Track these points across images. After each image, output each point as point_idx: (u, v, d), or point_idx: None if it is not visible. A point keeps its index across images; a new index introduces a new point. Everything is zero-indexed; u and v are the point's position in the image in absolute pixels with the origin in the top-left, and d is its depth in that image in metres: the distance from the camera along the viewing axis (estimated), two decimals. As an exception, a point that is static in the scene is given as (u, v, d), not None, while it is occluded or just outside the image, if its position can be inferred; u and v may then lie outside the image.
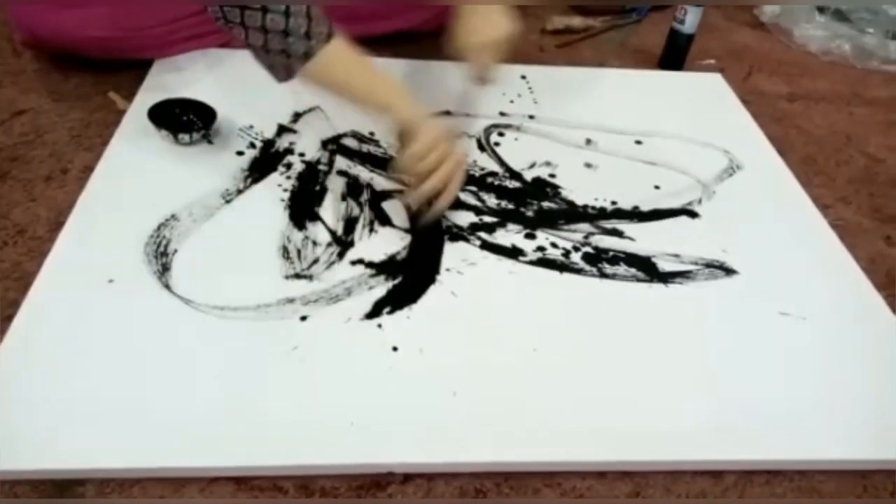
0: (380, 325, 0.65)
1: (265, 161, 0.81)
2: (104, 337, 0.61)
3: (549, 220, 0.79)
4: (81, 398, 0.56)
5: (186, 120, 0.83)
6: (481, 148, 0.88)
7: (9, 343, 0.59)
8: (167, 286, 0.65)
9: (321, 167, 0.81)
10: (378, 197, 0.79)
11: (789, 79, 1.15)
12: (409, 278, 0.70)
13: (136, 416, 0.56)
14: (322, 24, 0.67)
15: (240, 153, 0.82)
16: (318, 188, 0.79)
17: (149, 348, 0.60)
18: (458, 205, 0.78)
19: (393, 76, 0.75)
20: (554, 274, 0.72)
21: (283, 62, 0.68)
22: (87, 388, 0.57)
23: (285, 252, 0.70)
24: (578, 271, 0.73)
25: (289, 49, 0.66)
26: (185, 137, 0.80)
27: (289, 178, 0.79)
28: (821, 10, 1.27)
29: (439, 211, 0.74)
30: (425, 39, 1.04)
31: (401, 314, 0.66)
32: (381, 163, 0.83)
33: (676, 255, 0.76)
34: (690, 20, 1.08)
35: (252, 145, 0.83)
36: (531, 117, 0.94)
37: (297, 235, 0.72)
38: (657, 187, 0.85)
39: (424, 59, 1.00)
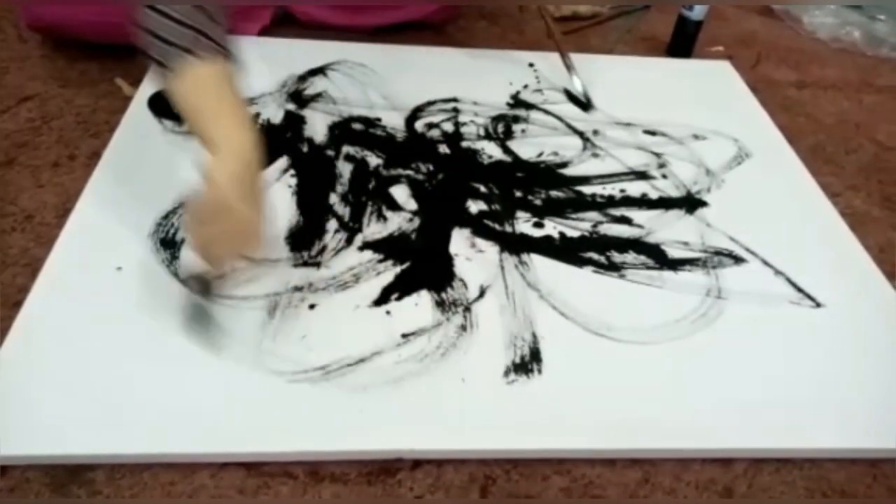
0: (388, 312, 0.65)
1: (272, 148, 0.80)
2: (113, 324, 0.61)
3: (558, 209, 0.78)
4: (91, 384, 0.56)
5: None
6: (489, 137, 0.87)
7: (18, 329, 0.59)
8: (175, 274, 0.65)
9: (328, 153, 0.81)
10: (386, 182, 0.78)
11: (798, 66, 1.14)
12: (417, 264, 0.70)
13: (146, 402, 0.56)
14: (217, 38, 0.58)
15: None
16: (325, 174, 0.78)
17: (157, 335, 0.60)
18: (468, 193, 0.78)
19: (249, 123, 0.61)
20: (562, 263, 0.72)
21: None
22: (96, 375, 0.57)
23: (293, 239, 0.70)
24: (587, 260, 0.73)
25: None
26: (192, 124, 0.80)
27: (296, 164, 0.79)
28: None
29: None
30: (434, 30, 1.04)
31: (409, 301, 0.66)
32: (388, 148, 0.83)
33: (685, 243, 0.75)
34: (699, 7, 1.07)
35: (259, 132, 0.82)
36: (539, 106, 0.94)
37: (305, 223, 0.72)
38: (665, 177, 0.85)
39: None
